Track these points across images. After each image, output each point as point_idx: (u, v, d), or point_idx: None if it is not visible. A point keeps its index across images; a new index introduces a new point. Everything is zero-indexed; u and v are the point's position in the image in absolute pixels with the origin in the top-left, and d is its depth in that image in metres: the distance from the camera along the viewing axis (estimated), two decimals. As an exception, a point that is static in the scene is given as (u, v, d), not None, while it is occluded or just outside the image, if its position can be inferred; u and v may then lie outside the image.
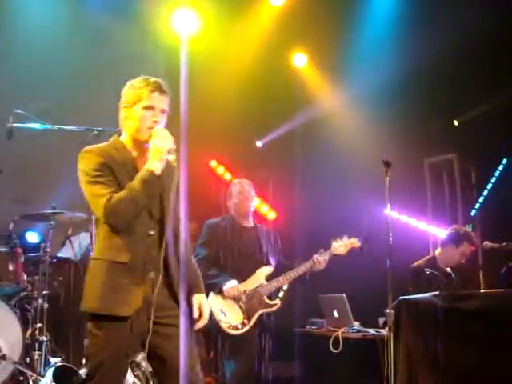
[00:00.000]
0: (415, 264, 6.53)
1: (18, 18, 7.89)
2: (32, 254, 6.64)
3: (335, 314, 6.32)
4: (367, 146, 8.11)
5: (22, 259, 6.37)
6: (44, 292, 6.36)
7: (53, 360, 5.82)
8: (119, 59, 8.71)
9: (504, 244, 5.69)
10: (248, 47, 8.55)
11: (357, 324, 6.17)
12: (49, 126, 5.96)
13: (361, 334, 5.97)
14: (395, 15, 8.26)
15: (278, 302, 5.97)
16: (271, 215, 9.33)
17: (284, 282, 5.99)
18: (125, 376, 3.63)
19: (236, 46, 8.57)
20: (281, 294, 6.26)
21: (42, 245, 6.49)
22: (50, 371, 5.15)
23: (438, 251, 6.59)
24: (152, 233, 3.63)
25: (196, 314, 3.77)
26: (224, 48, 8.55)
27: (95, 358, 3.51)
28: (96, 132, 5.91)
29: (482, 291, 5.23)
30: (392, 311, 5.04)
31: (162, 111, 3.66)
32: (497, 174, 8.46)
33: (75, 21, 8.29)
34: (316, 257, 6.01)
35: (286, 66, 9.32)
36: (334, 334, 5.98)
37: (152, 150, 3.55)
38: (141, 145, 3.67)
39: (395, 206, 7.92)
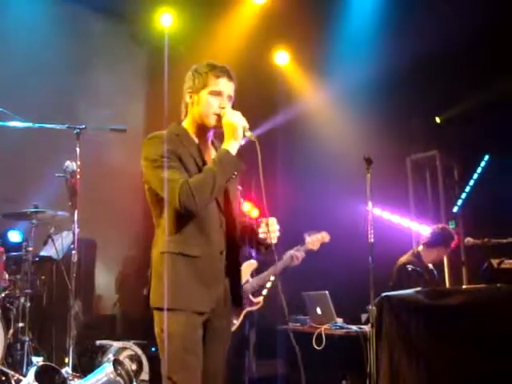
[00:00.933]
0: (403, 260, 6.53)
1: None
2: (14, 253, 6.61)
3: (318, 310, 6.32)
4: (350, 143, 8.12)
5: (4, 258, 6.36)
6: (26, 291, 6.35)
7: (35, 359, 5.79)
8: (102, 57, 8.70)
9: (486, 240, 5.71)
10: (230, 45, 8.53)
11: (340, 321, 6.16)
12: (30, 124, 5.94)
13: (344, 330, 5.97)
14: (377, 13, 8.29)
15: (260, 299, 5.96)
16: (254, 213, 9.32)
17: (268, 276, 5.97)
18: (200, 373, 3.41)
19: (218, 44, 8.55)
20: (264, 292, 6.24)
21: (24, 244, 6.47)
22: (32, 371, 5.11)
23: (421, 248, 6.62)
24: (222, 224, 3.53)
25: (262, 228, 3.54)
26: (206, 46, 8.53)
27: (174, 356, 3.34)
28: (78, 130, 5.90)
29: (463, 287, 5.25)
30: (374, 308, 5.05)
31: (229, 97, 3.57)
32: (479, 170, 8.50)
33: (58, 18, 8.25)
34: (294, 252, 6.02)
35: (269, 64, 9.32)
36: (317, 331, 5.98)
37: (227, 129, 3.45)
38: (204, 132, 3.59)
39: (378, 203, 7.96)
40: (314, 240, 6.12)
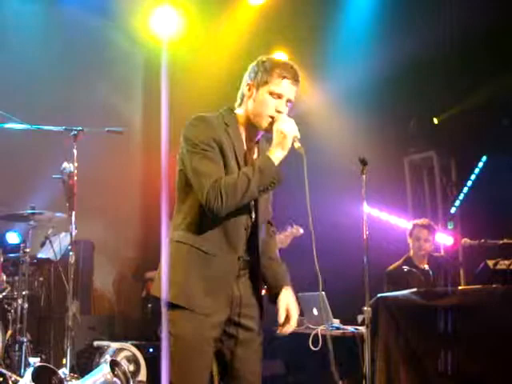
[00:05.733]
0: (391, 267, 6.56)
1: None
2: (12, 255, 6.63)
3: (315, 311, 6.32)
4: (347, 144, 8.12)
5: (2, 260, 6.36)
6: (24, 292, 6.35)
7: (32, 360, 5.80)
8: (98, 59, 8.71)
9: (482, 241, 5.73)
10: (227, 47, 8.55)
11: (336, 322, 6.17)
12: (28, 126, 5.94)
13: (340, 331, 5.97)
14: (374, 14, 8.30)
15: None
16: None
17: None
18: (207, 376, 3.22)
19: (215, 45, 8.56)
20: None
21: (22, 245, 6.48)
22: (29, 371, 5.12)
23: (411, 252, 6.68)
24: (247, 228, 3.29)
25: (281, 318, 3.39)
26: (203, 48, 8.55)
27: (176, 357, 3.12)
28: (75, 132, 5.91)
29: (459, 288, 5.26)
30: (369, 309, 5.05)
31: (289, 101, 3.29)
32: (476, 171, 8.49)
33: (53, 20, 8.28)
34: None
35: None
36: (314, 332, 5.98)
37: (276, 136, 3.20)
38: (254, 130, 3.34)
39: (375, 204, 7.97)
40: (282, 237, 6.10)
